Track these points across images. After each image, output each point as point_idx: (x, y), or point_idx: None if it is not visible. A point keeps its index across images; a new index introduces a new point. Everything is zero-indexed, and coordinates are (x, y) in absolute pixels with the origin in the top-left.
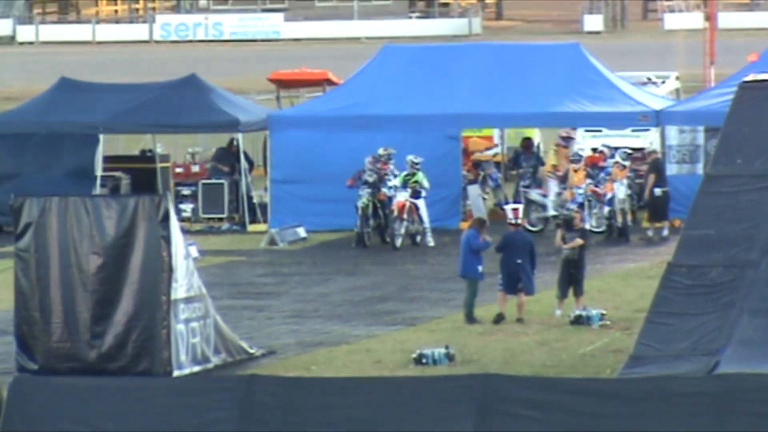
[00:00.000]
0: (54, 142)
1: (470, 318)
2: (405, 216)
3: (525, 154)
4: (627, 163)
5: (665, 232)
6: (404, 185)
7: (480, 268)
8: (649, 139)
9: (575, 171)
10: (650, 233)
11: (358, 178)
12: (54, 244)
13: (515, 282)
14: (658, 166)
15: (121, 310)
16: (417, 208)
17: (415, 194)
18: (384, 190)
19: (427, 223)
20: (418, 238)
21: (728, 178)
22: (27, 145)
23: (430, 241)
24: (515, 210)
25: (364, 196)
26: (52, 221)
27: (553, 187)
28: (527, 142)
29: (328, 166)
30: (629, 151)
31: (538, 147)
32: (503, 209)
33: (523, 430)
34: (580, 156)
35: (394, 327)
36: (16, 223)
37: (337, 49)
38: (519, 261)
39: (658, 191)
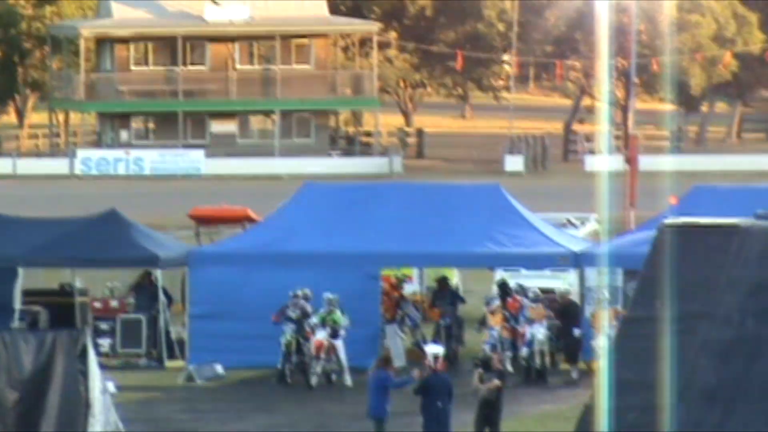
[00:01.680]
0: None
1: None
2: (323, 355)
3: (440, 293)
4: (535, 305)
5: (575, 375)
6: (323, 324)
7: (388, 408)
8: (568, 281)
9: (491, 313)
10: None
11: (283, 314)
12: None
13: (436, 425)
14: (570, 309)
15: None
16: (335, 347)
17: (334, 333)
18: (307, 327)
19: (344, 363)
20: (334, 377)
21: (647, 320)
22: None
23: (348, 380)
24: (436, 356)
25: (288, 332)
26: None
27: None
28: (442, 280)
29: (247, 303)
30: (538, 292)
31: (456, 287)
32: (422, 350)
33: None
34: (495, 299)
35: None
36: None
37: (257, 186)
38: (439, 404)
39: (576, 332)
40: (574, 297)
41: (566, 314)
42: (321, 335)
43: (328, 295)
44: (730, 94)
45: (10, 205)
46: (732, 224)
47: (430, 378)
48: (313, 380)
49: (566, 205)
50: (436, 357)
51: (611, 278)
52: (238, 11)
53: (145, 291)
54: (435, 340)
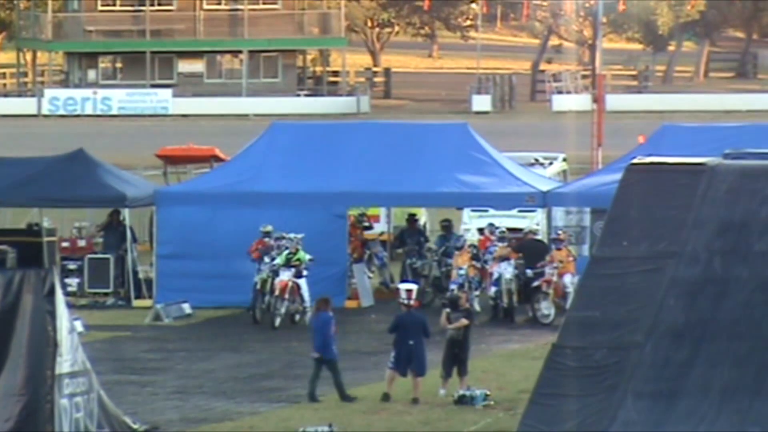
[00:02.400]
0: None
1: (345, 395)
2: (287, 296)
3: (410, 231)
4: (503, 244)
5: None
6: (287, 264)
7: (335, 349)
8: (535, 221)
9: (459, 253)
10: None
11: (265, 253)
12: None
13: (407, 363)
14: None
15: (5, 384)
16: (299, 287)
17: (298, 273)
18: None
19: (308, 302)
20: (297, 317)
21: (614, 260)
22: None
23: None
24: (409, 291)
25: (264, 271)
26: None
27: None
28: (412, 219)
29: (214, 243)
30: (504, 231)
31: (424, 226)
32: (389, 288)
33: None
34: (463, 239)
35: (278, 404)
36: None
37: (225, 126)
38: (411, 342)
39: (528, 272)
40: (542, 236)
41: (530, 253)
42: (285, 276)
43: (293, 235)
44: (697, 33)
45: None
46: (699, 163)
47: (403, 316)
48: (277, 321)
49: (534, 144)
50: (408, 293)
51: (578, 218)
52: None
53: (113, 230)
54: (404, 279)
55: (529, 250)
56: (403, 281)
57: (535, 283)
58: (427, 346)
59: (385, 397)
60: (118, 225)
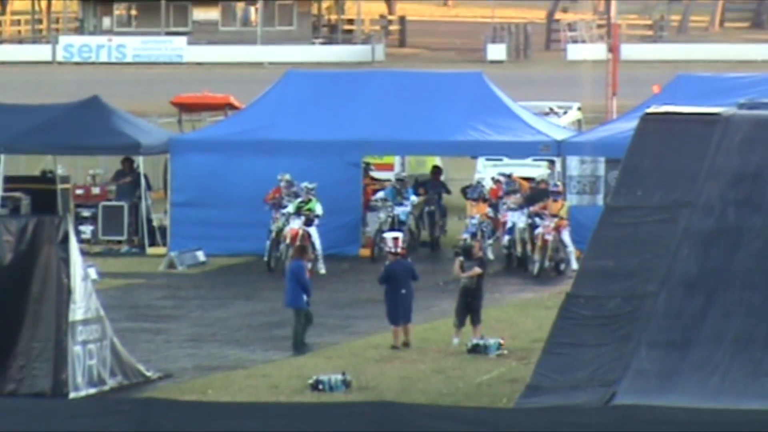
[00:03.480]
0: None
1: (300, 346)
2: (297, 244)
3: (433, 183)
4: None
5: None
6: (297, 213)
7: (305, 298)
8: (547, 170)
9: (474, 203)
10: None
11: (281, 201)
12: None
13: (401, 312)
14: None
15: (19, 331)
16: (309, 235)
17: (308, 222)
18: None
19: (319, 251)
20: (309, 266)
21: (628, 209)
22: None
23: (322, 269)
24: (395, 239)
25: (279, 219)
26: None
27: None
28: (436, 170)
29: (228, 191)
30: (515, 184)
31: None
32: (383, 238)
33: None
34: (482, 187)
35: (291, 352)
36: None
37: (239, 74)
38: (403, 291)
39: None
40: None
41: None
42: (296, 224)
43: (305, 184)
44: None
45: None
46: (714, 113)
47: (393, 265)
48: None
49: (549, 93)
50: (395, 241)
51: (593, 167)
52: None
53: (126, 178)
54: (419, 226)
55: (541, 199)
56: (389, 230)
57: (538, 231)
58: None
59: (395, 348)
60: (131, 172)
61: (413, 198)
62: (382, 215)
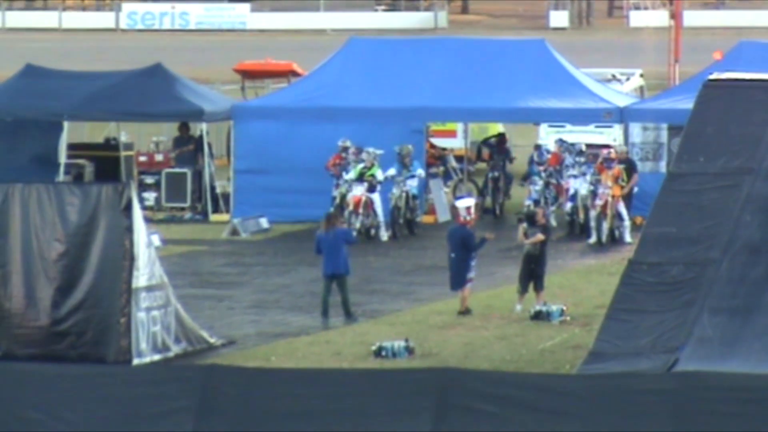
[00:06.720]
0: (18, 129)
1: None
2: (360, 210)
3: (498, 149)
4: (582, 159)
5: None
6: (360, 179)
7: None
8: (612, 136)
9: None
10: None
11: (344, 167)
12: (16, 231)
13: (455, 275)
14: (633, 165)
15: (82, 298)
16: (372, 202)
17: (371, 188)
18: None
19: (381, 218)
20: (372, 232)
21: (691, 176)
22: None
23: (384, 236)
24: (468, 208)
25: (342, 186)
26: (14, 208)
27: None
28: (502, 137)
29: (291, 158)
30: (583, 148)
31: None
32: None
33: (481, 425)
34: (548, 153)
35: (354, 319)
36: None
37: (302, 41)
38: (453, 255)
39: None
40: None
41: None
42: (358, 191)
43: (369, 149)
44: None
45: (55, 59)
46: None
47: (449, 230)
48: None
49: (611, 60)
50: (468, 210)
51: (655, 134)
52: None
53: (184, 143)
54: (483, 192)
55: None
56: (459, 198)
57: (597, 202)
58: (472, 260)
59: (466, 312)
60: (189, 139)
61: (419, 171)
62: (395, 191)
